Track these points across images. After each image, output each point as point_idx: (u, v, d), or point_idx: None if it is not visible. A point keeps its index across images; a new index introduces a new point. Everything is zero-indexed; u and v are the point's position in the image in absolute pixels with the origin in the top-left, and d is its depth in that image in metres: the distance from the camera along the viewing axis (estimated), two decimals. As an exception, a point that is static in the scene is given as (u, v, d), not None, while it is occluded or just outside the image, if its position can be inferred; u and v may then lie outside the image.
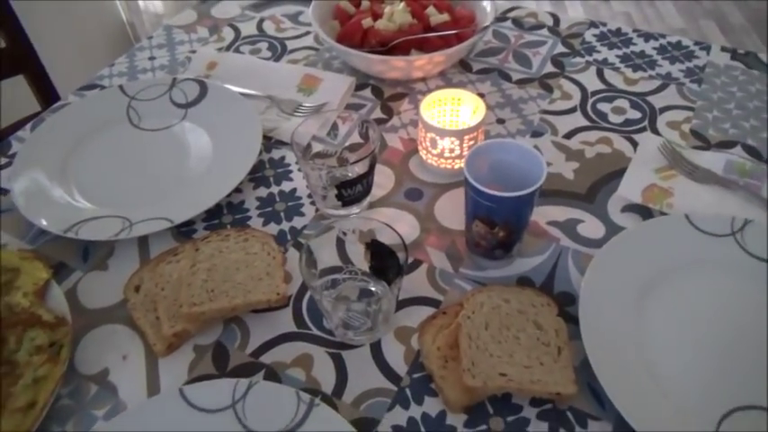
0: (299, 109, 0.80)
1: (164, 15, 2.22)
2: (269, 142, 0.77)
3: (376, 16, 0.85)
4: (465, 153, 0.68)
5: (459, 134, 0.66)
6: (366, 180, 0.64)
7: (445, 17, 0.83)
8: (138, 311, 0.56)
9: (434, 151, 0.68)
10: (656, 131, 0.75)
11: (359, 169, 0.63)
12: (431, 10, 0.84)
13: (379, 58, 0.78)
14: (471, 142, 0.67)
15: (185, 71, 0.88)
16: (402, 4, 0.84)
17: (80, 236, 0.62)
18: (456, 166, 0.69)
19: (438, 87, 0.83)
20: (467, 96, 0.70)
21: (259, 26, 0.97)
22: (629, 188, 0.66)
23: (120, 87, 0.81)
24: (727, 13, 2.55)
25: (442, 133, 0.66)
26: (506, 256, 0.60)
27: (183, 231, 0.66)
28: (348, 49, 0.79)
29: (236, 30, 0.97)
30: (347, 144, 0.71)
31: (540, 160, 0.55)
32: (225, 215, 0.68)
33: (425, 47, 0.83)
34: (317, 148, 0.71)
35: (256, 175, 0.72)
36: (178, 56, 0.92)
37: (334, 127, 0.78)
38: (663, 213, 0.64)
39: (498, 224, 0.55)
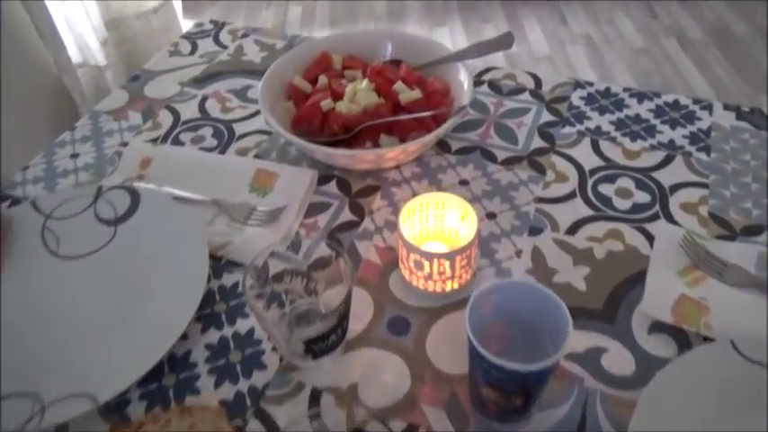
0: (252, 215, 0.68)
1: (106, 68, 2.06)
2: (218, 264, 0.64)
3: (336, 95, 0.74)
4: (458, 272, 0.56)
5: (449, 256, 0.54)
6: (341, 327, 0.52)
7: (417, 94, 0.72)
8: None
9: (420, 273, 0.57)
10: (670, 218, 0.65)
11: (331, 317, 0.51)
12: (399, 86, 0.72)
13: (344, 152, 0.66)
14: (464, 261, 0.56)
15: (114, 171, 0.74)
16: (365, 81, 0.72)
17: (-25, 432, 0.48)
18: (448, 288, 0.58)
19: (413, 175, 0.72)
20: (452, 200, 0.59)
21: (201, 106, 0.84)
22: (656, 303, 0.56)
23: (33, 203, 0.67)
24: (686, 28, 2.53)
25: (429, 256, 0.54)
26: (523, 417, 0.48)
27: (114, 406, 0.52)
28: (309, 144, 0.67)
29: (175, 112, 0.83)
30: (314, 259, 0.59)
31: (561, 306, 0.44)
32: (166, 375, 0.54)
33: (396, 129, 0.71)
34: (276, 267, 0.58)
35: (204, 312, 0.59)
36: (106, 150, 0.78)
37: (297, 238, 0.66)
38: (701, 335, 0.53)
39: (514, 393, 0.43)
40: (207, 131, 0.80)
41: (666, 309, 0.55)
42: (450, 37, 2.56)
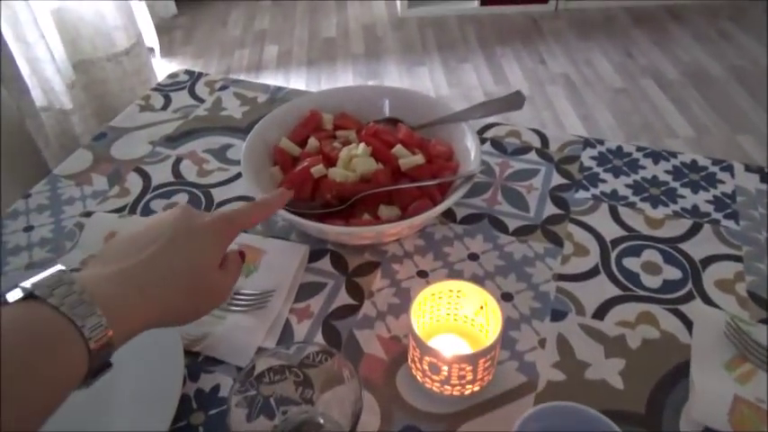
0: (235, 300, 0.59)
1: (71, 112, 1.96)
2: (195, 362, 0.54)
3: (329, 160, 0.66)
4: (480, 375, 0.48)
5: (471, 359, 0.46)
6: (347, 456, 0.43)
7: (419, 159, 0.65)
8: None
9: (436, 377, 0.48)
10: (706, 299, 0.58)
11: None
12: (399, 150, 0.65)
13: (341, 230, 0.58)
14: (488, 363, 0.48)
15: (74, 247, 0.65)
16: (362, 145, 0.65)
17: None
18: (467, 392, 0.49)
19: (417, 249, 0.64)
20: (469, 289, 0.51)
21: (175, 168, 0.76)
22: (707, 408, 0.48)
23: (-25, 292, 0.57)
24: (663, 69, 2.55)
25: (448, 361, 0.46)
26: None
27: None
28: (300, 219, 0.59)
29: (146, 176, 0.75)
30: (306, 353, 0.50)
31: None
32: None
33: (397, 198, 0.64)
34: (262, 365, 0.49)
35: (179, 425, 0.50)
36: (66, 222, 0.69)
37: (287, 325, 0.58)
38: (764, 448, 0.46)
39: None
40: (182, 198, 0.71)
41: (721, 416, 0.48)
42: (430, 76, 2.53)
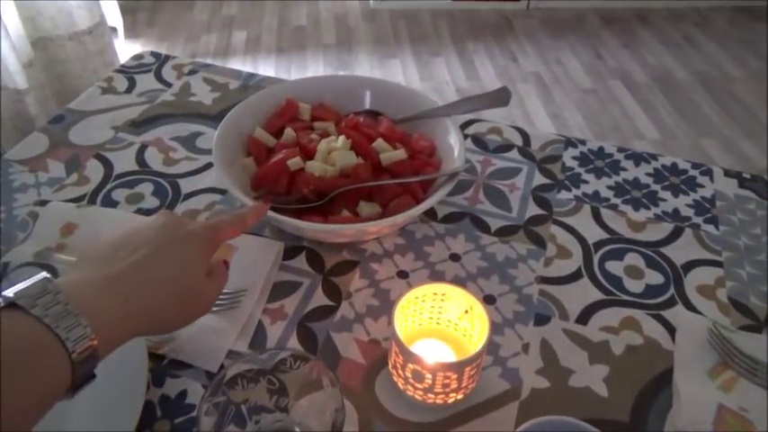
0: (204, 299, 0.55)
1: (26, 92, 1.86)
2: (159, 365, 0.51)
3: (306, 153, 0.63)
4: (465, 383, 0.46)
5: (457, 367, 0.44)
6: (326, 471, 0.40)
7: (401, 154, 0.62)
8: None
9: (419, 384, 0.46)
10: (688, 304, 0.58)
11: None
12: (380, 144, 0.63)
13: (320, 227, 0.55)
14: (473, 371, 0.46)
15: (27, 238, 0.60)
16: (341, 138, 0.62)
17: None
18: (451, 400, 0.47)
19: (397, 248, 0.62)
20: (453, 292, 0.49)
21: (140, 157, 0.71)
22: (692, 418, 0.47)
23: None
24: (631, 71, 2.59)
25: (433, 369, 0.44)
26: None
27: None
28: (275, 215, 0.55)
29: (107, 164, 0.70)
30: (279, 358, 0.47)
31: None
32: None
33: (377, 194, 0.61)
34: (233, 370, 0.46)
35: (142, 436, 0.46)
36: (17, 210, 0.64)
37: (260, 327, 0.55)
38: (749, 459, 0.46)
39: None
40: (146, 188, 0.67)
41: (706, 425, 0.47)
42: (402, 69, 2.51)
